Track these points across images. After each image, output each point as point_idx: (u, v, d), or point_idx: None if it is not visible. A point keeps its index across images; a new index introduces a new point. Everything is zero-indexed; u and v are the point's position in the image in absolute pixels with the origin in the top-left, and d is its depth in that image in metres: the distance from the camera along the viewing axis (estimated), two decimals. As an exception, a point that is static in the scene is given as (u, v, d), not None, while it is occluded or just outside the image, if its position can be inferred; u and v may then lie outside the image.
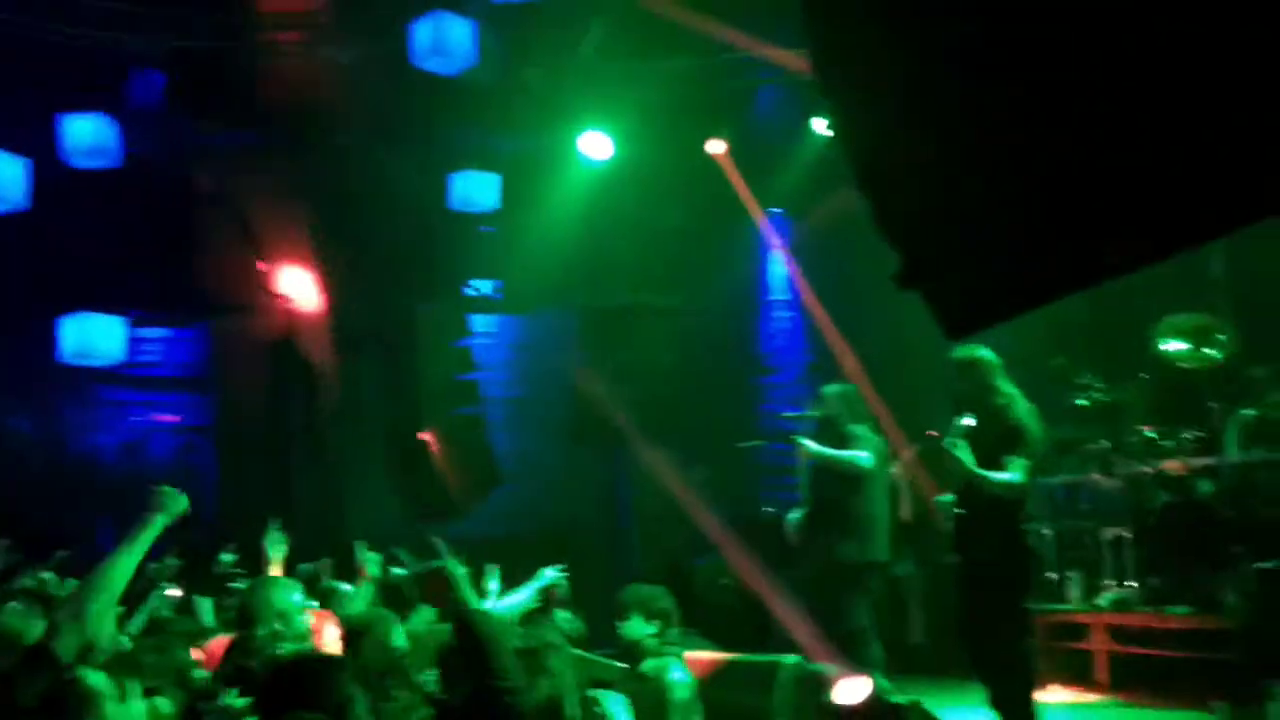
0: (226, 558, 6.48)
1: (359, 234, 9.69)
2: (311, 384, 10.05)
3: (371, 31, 8.25)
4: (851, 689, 5.53)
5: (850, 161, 2.82)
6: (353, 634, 4.28)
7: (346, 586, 6.13)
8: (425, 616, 5.24)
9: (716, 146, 10.06)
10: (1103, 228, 2.28)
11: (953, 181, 2.58)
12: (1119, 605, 7.34)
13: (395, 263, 9.90)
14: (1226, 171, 2.11)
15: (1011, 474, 5.31)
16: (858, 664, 6.04)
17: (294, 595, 4.24)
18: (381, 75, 8.36)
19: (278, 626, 3.98)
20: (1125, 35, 2.14)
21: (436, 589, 3.51)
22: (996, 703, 5.47)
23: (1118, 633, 7.36)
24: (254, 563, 6.18)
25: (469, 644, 3.24)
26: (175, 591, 5.71)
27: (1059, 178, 2.37)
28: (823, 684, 5.50)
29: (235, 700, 3.24)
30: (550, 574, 5.82)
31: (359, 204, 9.64)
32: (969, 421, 5.45)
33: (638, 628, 5.10)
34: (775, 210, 11.32)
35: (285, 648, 3.85)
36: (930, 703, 5.71)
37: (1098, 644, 7.43)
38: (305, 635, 4.14)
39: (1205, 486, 7.16)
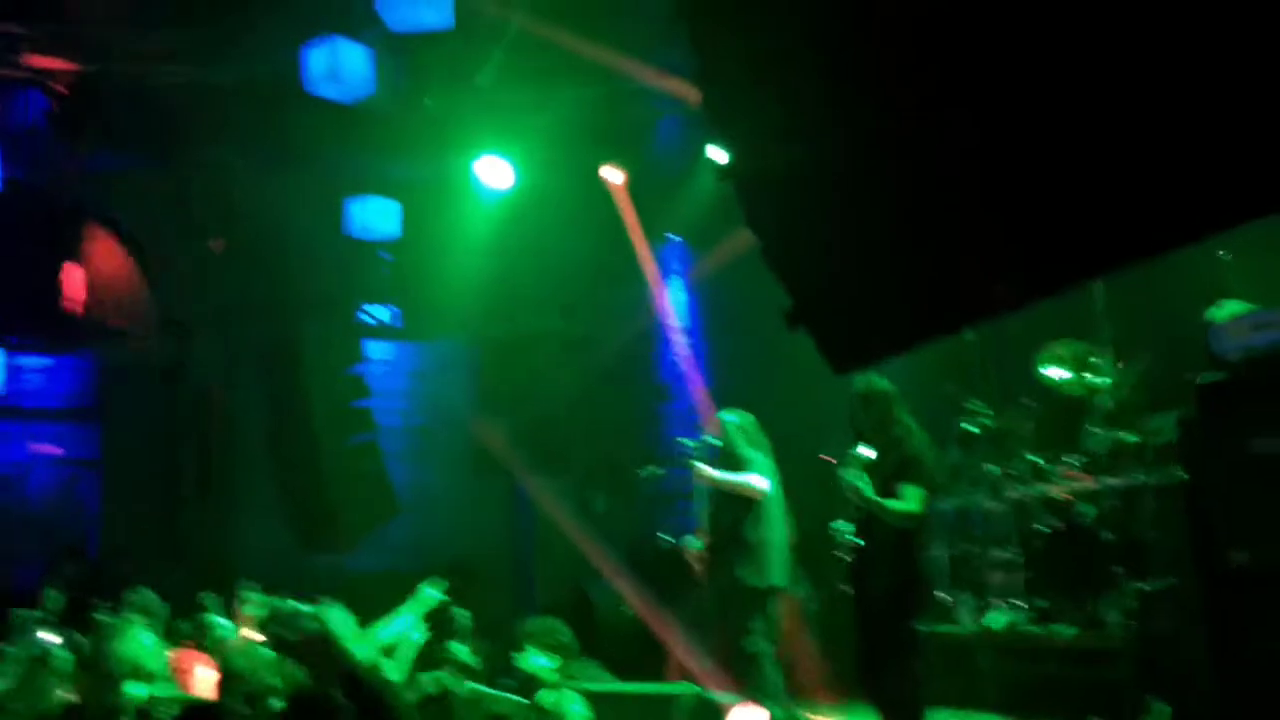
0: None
1: (249, 260, 9.50)
2: (201, 413, 9.81)
3: (266, 56, 8.11)
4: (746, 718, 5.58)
5: (740, 202, 2.86)
6: (231, 678, 4.15)
7: (226, 623, 5.95)
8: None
9: (614, 175, 10.11)
10: (989, 267, 2.34)
11: (840, 224, 2.63)
12: (1007, 626, 7.51)
13: (288, 289, 9.73)
14: (1107, 213, 2.19)
15: (908, 504, 5.46)
16: (757, 689, 6.09)
17: (144, 639, 4.12)
18: (275, 100, 8.23)
19: (127, 673, 3.86)
20: (1009, 81, 2.21)
21: (313, 653, 3.38)
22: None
23: (1006, 652, 7.53)
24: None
25: (363, 702, 3.15)
26: (50, 636, 5.48)
27: (946, 219, 2.43)
28: (719, 714, 5.53)
29: None
30: (430, 593, 5.75)
31: (249, 229, 9.46)
32: (867, 451, 5.59)
33: (535, 661, 5.09)
34: (675, 239, 11.41)
35: (138, 691, 3.72)
36: (827, 727, 5.78)
37: (987, 664, 7.59)
38: (163, 677, 4.01)
39: (1088, 510, 7.38)
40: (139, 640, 4.26)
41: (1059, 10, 2.09)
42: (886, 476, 5.62)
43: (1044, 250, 2.28)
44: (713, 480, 6.55)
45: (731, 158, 3.07)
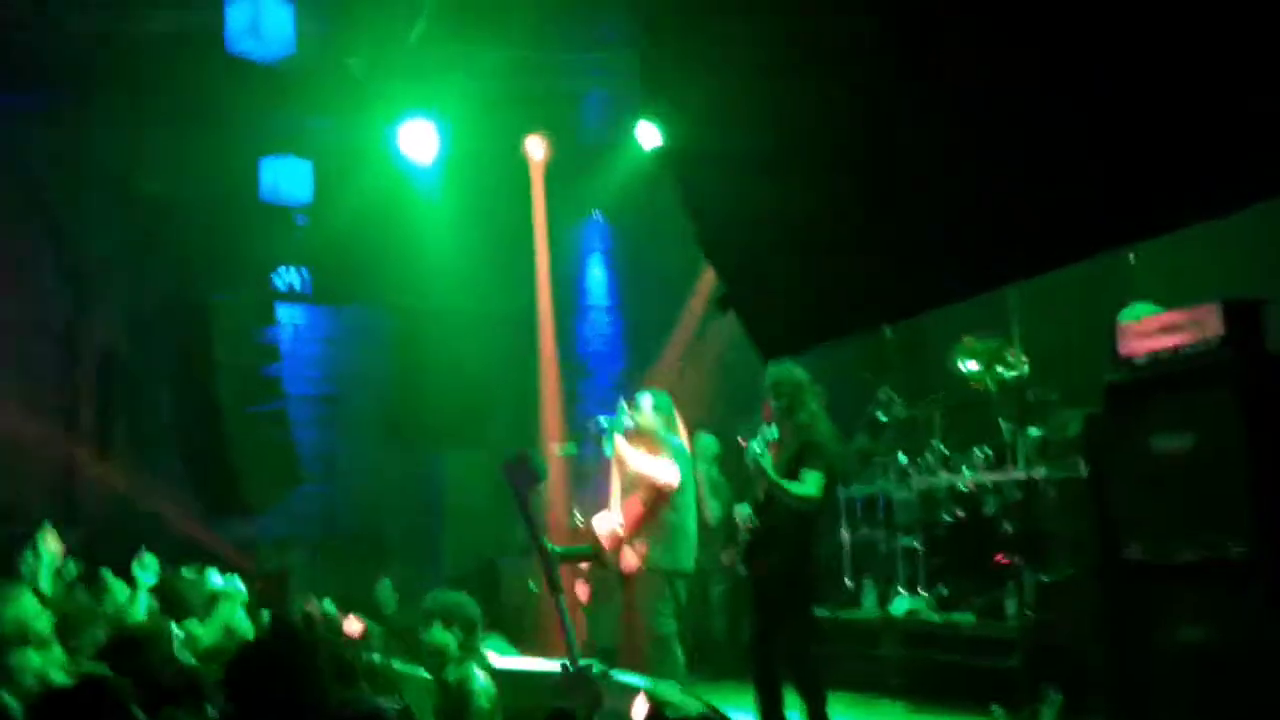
0: None
1: (157, 217, 9.21)
2: (101, 373, 9.51)
3: (185, 7, 7.84)
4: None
5: (676, 184, 2.83)
6: (125, 645, 4.00)
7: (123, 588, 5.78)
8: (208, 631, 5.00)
9: (535, 147, 10.01)
10: (920, 261, 2.35)
11: (773, 211, 2.62)
12: (910, 613, 7.65)
13: (194, 248, 9.44)
14: (1038, 215, 2.21)
15: (807, 487, 5.58)
16: (660, 670, 6.11)
17: (25, 601, 3.97)
18: (191, 53, 7.96)
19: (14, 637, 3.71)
20: (953, 75, 2.21)
21: (274, 594, 3.29)
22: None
23: (908, 639, 7.67)
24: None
25: (285, 655, 3.04)
26: None
27: (882, 211, 2.44)
28: (623, 691, 5.52)
29: None
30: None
31: (155, 184, 9.16)
32: (770, 434, 5.71)
33: (440, 635, 5.04)
34: (597, 214, 11.36)
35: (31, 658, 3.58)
36: (731, 705, 5.83)
37: (890, 650, 7.73)
38: (47, 641, 3.87)
39: (992, 501, 7.53)
40: (26, 603, 4.10)
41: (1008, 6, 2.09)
42: (789, 460, 5.74)
43: (976, 248, 2.30)
44: (625, 461, 6.54)
45: (667, 138, 3.04)
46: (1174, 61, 1.96)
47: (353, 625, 6.98)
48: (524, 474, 4.12)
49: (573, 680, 3.91)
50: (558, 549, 4.40)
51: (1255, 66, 1.83)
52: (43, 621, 3.71)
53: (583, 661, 5.73)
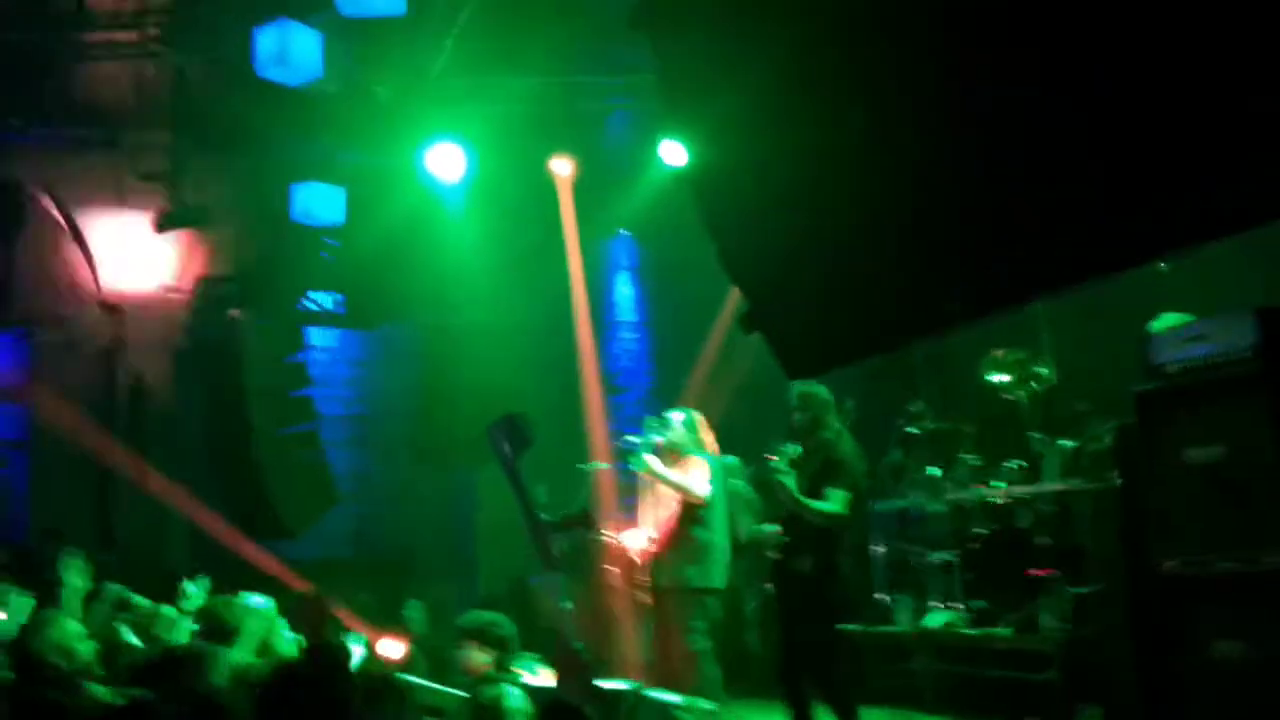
0: None
1: (191, 242, 9.34)
2: (136, 397, 9.62)
3: (214, 36, 7.97)
4: None
5: (699, 204, 2.86)
6: (171, 665, 4.07)
7: (170, 610, 5.86)
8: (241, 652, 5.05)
9: (562, 167, 10.07)
10: (947, 280, 2.36)
11: (797, 231, 2.64)
12: (944, 627, 7.60)
13: (228, 273, 9.57)
14: (1064, 231, 2.22)
15: (832, 505, 5.58)
16: (695, 688, 6.11)
17: (70, 627, 4.04)
18: (221, 81, 8.09)
19: (61, 663, 3.78)
20: (970, 96, 2.23)
21: (311, 616, 3.33)
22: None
23: (943, 653, 7.63)
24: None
25: (320, 675, 3.08)
26: None
27: (905, 231, 2.45)
28: (659, 711, 5.53)
29: None
30: None
31: (190, 210, 9.29)
32: (793, 451, 5.73)
33: (474, 655, 5.08)
34: (624, 232, 11.41)
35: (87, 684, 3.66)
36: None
37: (924, 664, 7.69)
38: (90, 666, 3.94)
39: (1025, 514, 7.49)
40: (69, 629, 4.17)
41: (1024, 26, 2.11)
42: (812, 477, 5.75)
43: (1001, 265, 2.31)
44: (657, 478, 6.56)
45: (689, 157, 3.06)
46: (1203, 80, 1.97)
47: (393, 648, 7.02)
48: (512, 437, 4.02)
49: (563, 656, 3.81)
50: (549, 517, 4.32)
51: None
52: (85, 646, 3.78)
53: (619, 681, 5.78)
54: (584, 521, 5.93)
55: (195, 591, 5.41)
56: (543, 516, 3.95)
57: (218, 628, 4.85)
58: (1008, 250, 2.35)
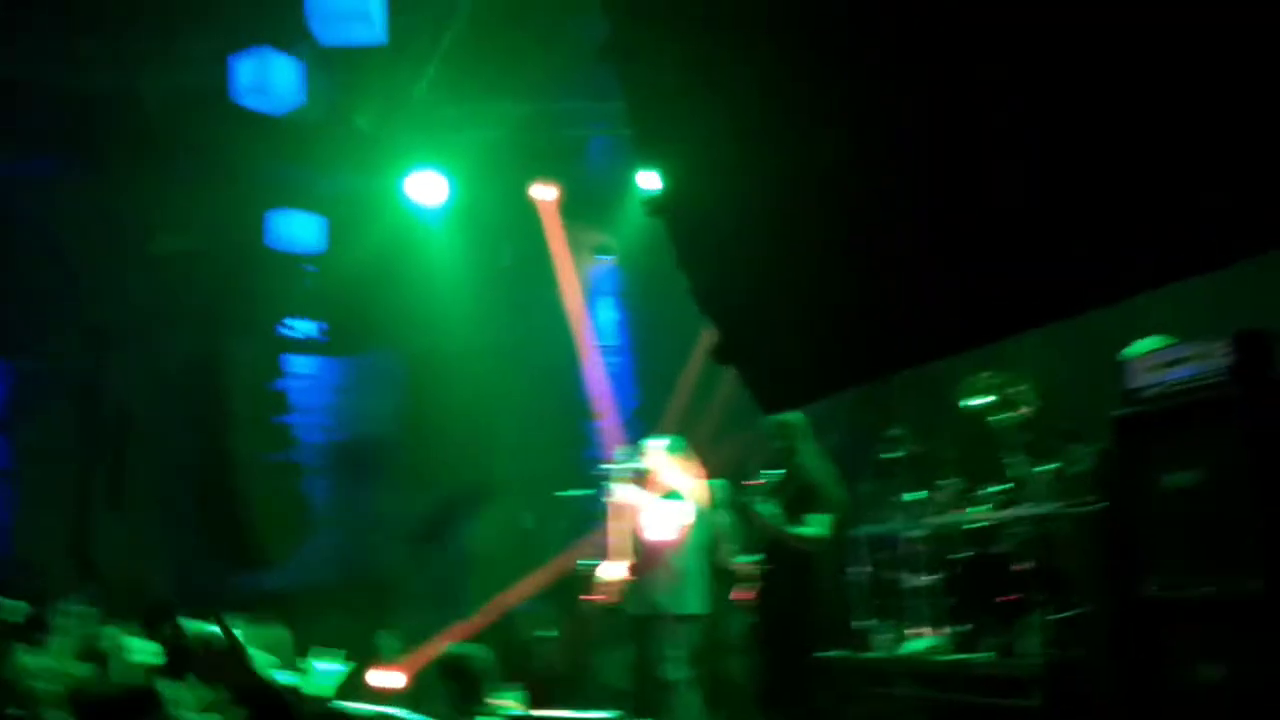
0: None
1: (172, 272, 9.32)
2: (118, 427, 9.58)
3: (194, 66, 7.97)
4: None
5: (671, 238, 2.87)
6: (135, 702, 4.00)
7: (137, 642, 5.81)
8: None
9: (545, 192, 10.09)
10: (924, 312, 2.37)
11: (769, 263, 2.65)
12: (924, 652, 7.58)
13: (208, 300, 9.55)
14: (1044, 264, 2.23)
15: (813, 529, 5.59)
16: (674, 716, 6.09)
17: (45, 663, 4.02)
18: (202, 110, 8.09)
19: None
20: (946, 124, 2.24)
21: (221, 667, 3.25)
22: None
23: (923, 679, 7.60)
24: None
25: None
26: None
27: (880, 262, 2.46)
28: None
29: None
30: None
31: (169, 239, 9.27)
32: (770, 479, 5.75)
33: (450, 686, 5.06)
34: (605, 258, 11.42)
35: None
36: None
37: (904, 689, 7.66)
38: (59, 705, 3.91)
39: (1006, 538, 7.49)
40: (46, 665, 4.15)
41: (1007, 51, 2.11)
42: (790, 503, 5.76)
43: (980, 299, 2.31)
44: (636, 505, 6.56)
45: (662, 190, 3.08)
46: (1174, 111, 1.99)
47: (391, 679, 6.97)
48: None
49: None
50: None
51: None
52: (56, 686, 3.75)
53: (600, 711, 5.76)
54: None
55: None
56: None
57: (183, 660, 4.80)
58: (984, 286, 2.35)
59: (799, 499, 5.72)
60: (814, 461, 5.80)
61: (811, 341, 2.66)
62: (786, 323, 2.69)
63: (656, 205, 2.93)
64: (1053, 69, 2.10)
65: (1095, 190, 2.13)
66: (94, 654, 5.09)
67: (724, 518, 8.68)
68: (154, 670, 5.11)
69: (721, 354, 2.78)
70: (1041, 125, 2.15)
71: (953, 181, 2.31)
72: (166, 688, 3.90)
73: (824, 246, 2.56)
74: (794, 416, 5.82)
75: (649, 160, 2.95)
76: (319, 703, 3.83)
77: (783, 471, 5.80)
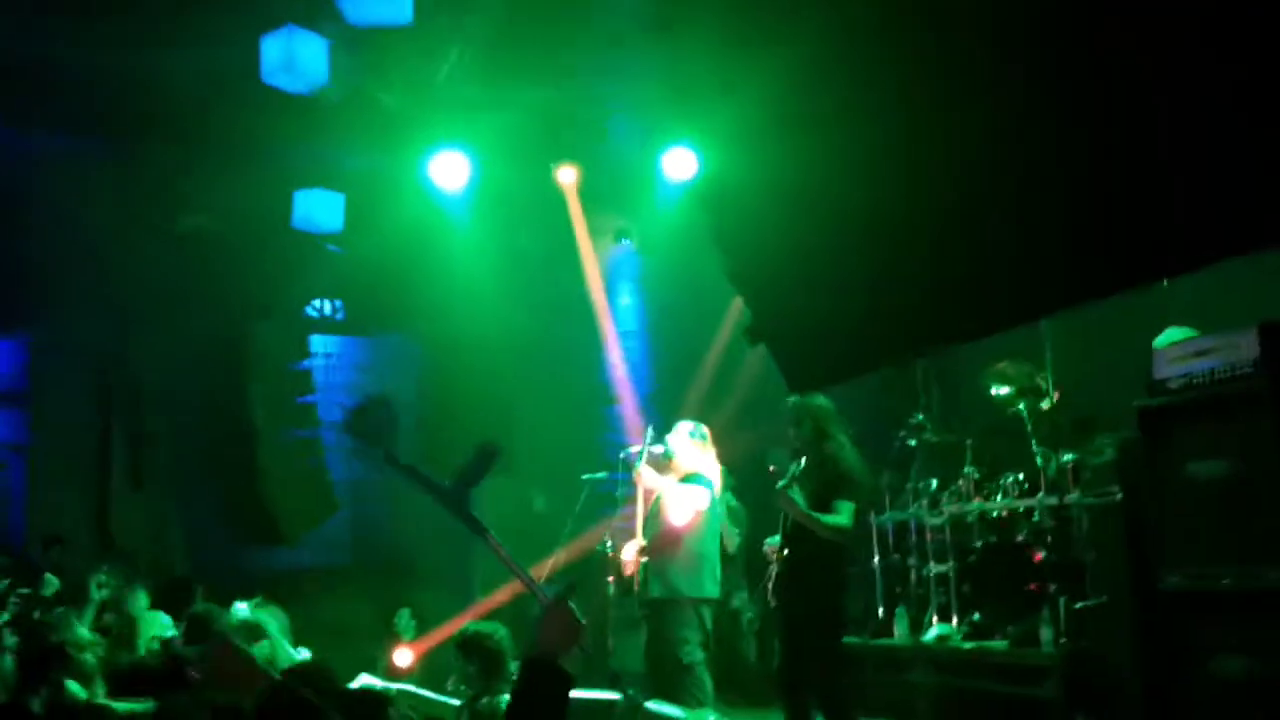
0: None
1: (193, 249, 9.33)
2: (137, 402, 9.62)
3: (219, 44, 7.96)
4: None
5: (706, 214, 2.86)
6: (177, 672, 4.05)
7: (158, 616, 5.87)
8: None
9: (566, 175, 10.08)
10: (951, 295, 2.36)
11: (803, 243, 2.64)
12: (942, 640, 7.59)
13: (230, 278, 9.57)
14: (1073, 248, 2.21)
15: (839, 518, 5.55)
16: (690, 699, 6.09)
17: (78, 632, 4.08)
18: (226, 89, 8.08)
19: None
20: (985, 112, 2.22)
21: (226, 669, 3.19)
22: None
23: (941, 666, 7.61)
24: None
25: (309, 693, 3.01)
26: None
27: (909, 245, 2.44)
28: (655, 720, 5.51)
29: None
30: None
31: (191, 217, 9.29)
32: (795, 466, 5.70)
33: (469, 665, 5.07)
34: (626, 242, 11.41)
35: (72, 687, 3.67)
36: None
37: (921, 677, 7.67)
38: (90, 676, 3.96)
39: (1025, 527, 7.48)
40: (79, 633, 4.20)
41: (1064, 34, 2.09)
42: (817, 490, 5.71)
43: (1008, 282, 2.30)
44: (654, 489, 6.55)
45: (699, 169, 3.07)
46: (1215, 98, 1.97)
47: (402, 657, 6.99)
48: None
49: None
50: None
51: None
52: (89, 656, 3.78)
53: (618, 692, 5.76)
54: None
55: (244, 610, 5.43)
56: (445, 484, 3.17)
57: (202, 635, 4.84)
58: (1014, 267, 2.34)
59: (828, 486, 5.66)
60: (842, 448, 5.75)
61: (843, 321, 2.65)
62: (819, 302, 2.68)
63: (693, 184, 2.93)
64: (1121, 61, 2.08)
65: (1146, 173, 2.10)
66: (122, 627, 5.15)
67: (728, 502, 8.69)
68: (171, 643, 5.16)
69: (753, 333, 2.77)
70: (1094, 110, 2.13)
71: (988, 164, 2.30)
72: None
73: (858, 227, 2.55)
74: (820, 400, 5.75)
75: (684, 138, 2.94)
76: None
77: (809, 458, 5.75)
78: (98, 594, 5.30)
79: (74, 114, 8.51)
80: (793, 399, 5.71)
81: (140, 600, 5.90)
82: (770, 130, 2.76)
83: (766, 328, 2.75)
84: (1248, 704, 5.27)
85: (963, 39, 2.32)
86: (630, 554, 6.75)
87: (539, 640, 2.00)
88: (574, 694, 5.67)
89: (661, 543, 6.48)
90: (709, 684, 6.37)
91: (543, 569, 8.74)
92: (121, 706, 3.36)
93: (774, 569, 5.93)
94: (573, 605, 1.99)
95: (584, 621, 2.00)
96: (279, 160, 9.25)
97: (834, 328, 2.76)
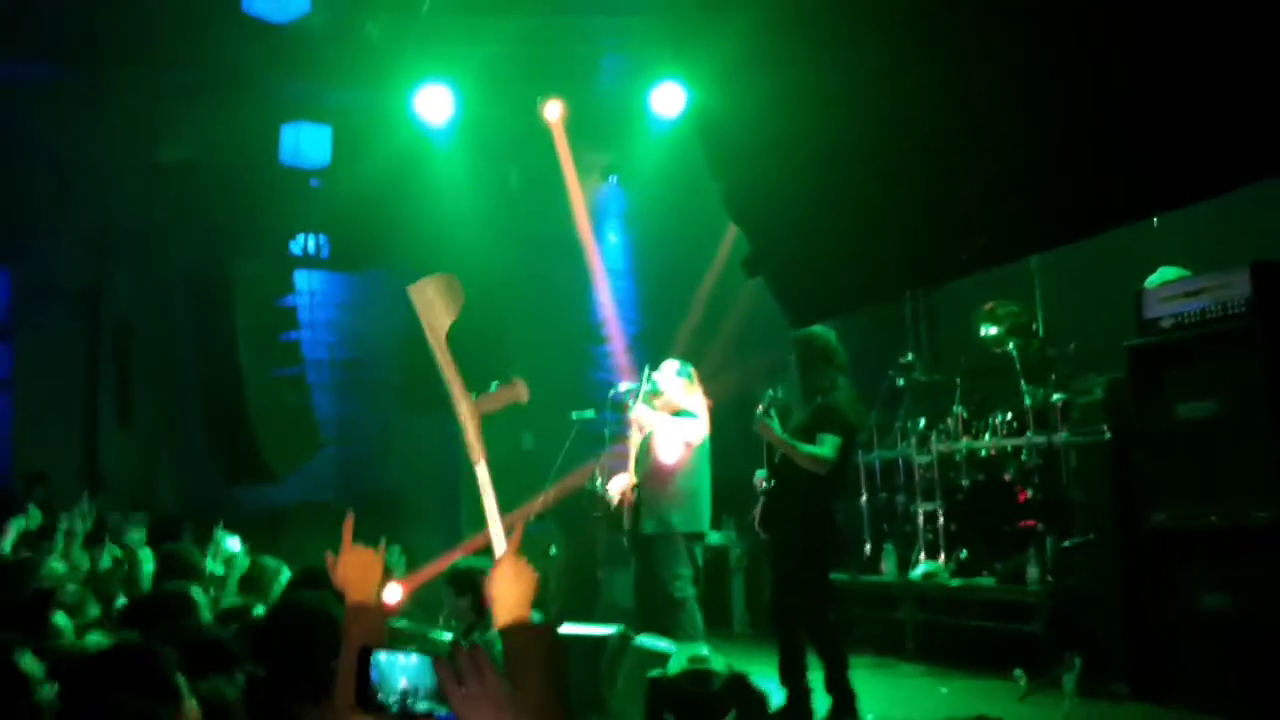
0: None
1: (176, 183, 9.19)
2: (122, 337, 9.53)
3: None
4: None
5: (703, 145, 2.81)
6: (152, 609, 3.97)
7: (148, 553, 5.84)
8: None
9: (553, 111, 9.95)
10: (953, 229, 2.33)
11: (802, 175, 2.60)
12: (929, 577, 7.65)
13: (215, 213, 9.43)
14: (1070, 184, 2.18)
15: (821, 449, 5.54)
16: (682, 634, 6.12)
17: (52, 566, 4.07)
18: (207, 17, 7.92)
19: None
20: (985, 48, 2.18)
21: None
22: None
23: (928, 603, 7.68)
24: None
25: (316, 616, 2.97)
26: None
27: (906, 179, 2.41)
28: (645, 656, 5.54)
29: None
30: None
31: (171, 148, 9.13)
32: (777, 396, 5.69)
33: (460, 601, 5.09)
34: (613, 178, 11.31)
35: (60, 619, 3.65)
36: (749, 668, 5.85)
37: (909, 614, 7.74)
38: (78, 605, 3.95)
39: (1013, 466, 7.51)
40: (53, 567, 4.18)
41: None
42: (807, 422, 5.70)
43: (1002, 217, 2.28)
44: (645, 426, 6.53)
45: (695, 99, 3.02)
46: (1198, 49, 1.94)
47: (392, 593, 6.95)
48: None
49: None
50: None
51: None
52: (71, 587, 3.75)
53: (608, 626, 5.79)
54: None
55: (227, 544, 5.41)
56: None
57: (185, 568, 4.82)
58: (1008, 202, 2.32)
59: (816, 418, 5.65)
60: (835, 382, 5.71)
61: (841, 254, 2.62)
62: (818, 235, 2.65)
63: (690, 115, 2.88)
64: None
65: (1117, 104, 2.08)
66: (126, 559, 5.13)
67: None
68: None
69: (752, 265, 2.74)
70: (1067, 53, 2.10)
71: (979, 103, 2.27)
72: (195, 590, 3.90)
73: (857, 158, 2.52)
74: (824, 333, 5.68)
75: (676, 73, 2.89)
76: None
77: (804, 389, 5.72)
78: (80, 526, 5.26)
79: (49, 41, 8.32)
80: (796, 330, 5.66)
81: (139, 534, 5.89)
82: (765, 66, 2.72)
83: (764, 259, 2.72)
84: (1231, 639, 5.34)
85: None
86: (619, 487, 6.75)
87: (495, 605, 1.93)
88: (567, 629, 5.69)
89: (653, 478, 6.48)
90: (700, 619, 6.40)
91: (532, 507, 8.77)
92: (99, 640, 3.34)
93: (762, 501, 5.93)
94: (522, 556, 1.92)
95: (537, 574, 1.93)
96: (262, 93, 9.09)
97: (830, 261, 2.74)
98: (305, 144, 9.19)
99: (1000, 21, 2.28)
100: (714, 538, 8.68)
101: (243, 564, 5.28)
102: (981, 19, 2.30)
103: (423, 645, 5.02)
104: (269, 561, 5.15)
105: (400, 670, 1.67)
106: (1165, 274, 6.03)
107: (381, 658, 1.67)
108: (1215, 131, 2.03)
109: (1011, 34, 2.27)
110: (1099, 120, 2.20)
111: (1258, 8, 1.86)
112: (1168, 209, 2.40)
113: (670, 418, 6.45)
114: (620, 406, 6.98)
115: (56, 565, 4.18)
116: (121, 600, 4.45)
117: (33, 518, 5.43)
